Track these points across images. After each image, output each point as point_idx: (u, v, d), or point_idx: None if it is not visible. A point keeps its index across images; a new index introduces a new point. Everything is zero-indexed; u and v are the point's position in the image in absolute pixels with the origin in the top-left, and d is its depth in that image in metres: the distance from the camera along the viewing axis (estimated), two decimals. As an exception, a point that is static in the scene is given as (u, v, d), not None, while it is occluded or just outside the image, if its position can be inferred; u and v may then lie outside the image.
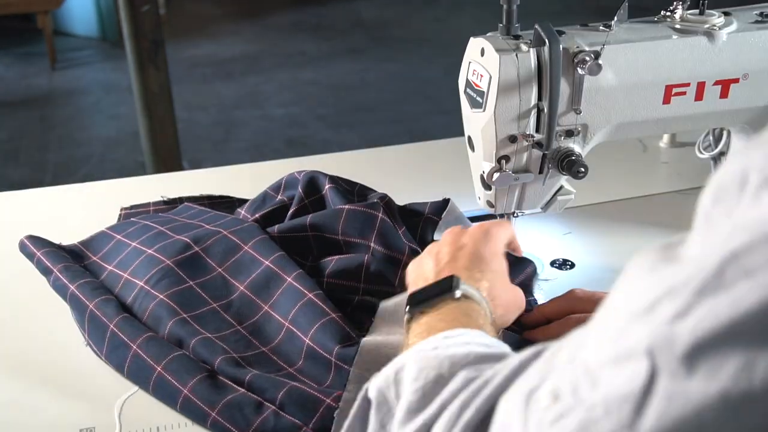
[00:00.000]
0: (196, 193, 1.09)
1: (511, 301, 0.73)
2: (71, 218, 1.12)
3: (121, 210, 1.07)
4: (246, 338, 0.80)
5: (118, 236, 0.93)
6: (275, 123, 3.87)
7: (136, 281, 0.85)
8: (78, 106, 4.17)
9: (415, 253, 0.85)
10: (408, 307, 0.65)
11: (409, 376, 0.50)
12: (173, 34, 5.14)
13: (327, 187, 0.96)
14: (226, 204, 1.07)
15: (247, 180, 1.23)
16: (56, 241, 0.95)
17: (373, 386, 0.52)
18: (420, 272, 0.73)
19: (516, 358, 0.46)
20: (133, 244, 0.90)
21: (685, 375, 0.32)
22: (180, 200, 1.07)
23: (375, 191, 0.98)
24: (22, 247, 0.94)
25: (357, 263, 0.86)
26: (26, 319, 0.90)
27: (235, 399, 0.71)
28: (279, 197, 0.99)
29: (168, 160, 2.95)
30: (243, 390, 0.72)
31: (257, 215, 0.97)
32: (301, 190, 0.96)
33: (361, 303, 0.84)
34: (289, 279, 0.83)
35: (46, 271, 0.90)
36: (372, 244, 0.88)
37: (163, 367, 0.75)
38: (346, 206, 0.91)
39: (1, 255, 1.02)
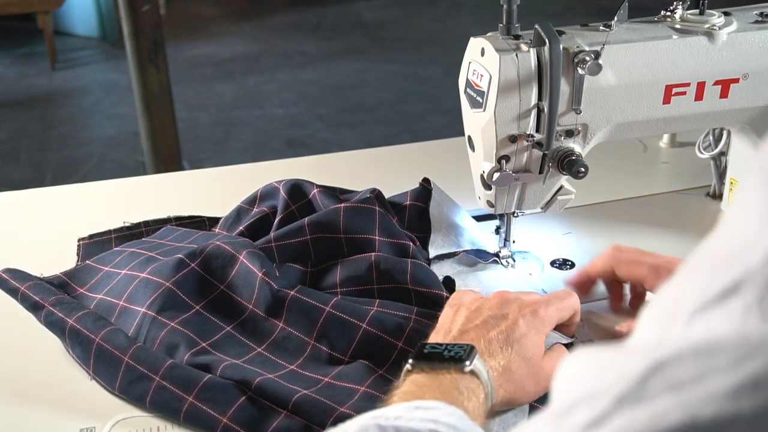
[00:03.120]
0: (194, 193, 1.08)
1: (525, 390, 0.67)
2: (71, 218, 1.12)
3: (79, 240, 1.00)
4: (270, 359, 0.77)
5: (106, 267, 0.88)
6: (275, 123, 3.87)
7: (137, 308, 0.80)
8: (78, 106, 4.18)
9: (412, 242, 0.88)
10: (413, 358, 0.62)
11: None
12: (173, 34, 5.15)
13: (315, 191, 0.94)
14: (196, 224, 1.02)
15: (247, 180, 1.23)
16: (51, 246, 0.95)
17: None
18: (446, 320, 0.71)
19: None
20: (123, 272, 0.85)
21: None
22: (145, 224, 1.02)
23: (357, 192, 0.96)
24: (1, 283, 0.84)
25: (366, 266, 0.84)
26: (27, 318, 0.89)
27: (281, 425, 0.68)
28: (256, 209, 0.96)
29: (168, 160, 2.95)
30: (285, 412, 0.70)
31: (241, 228, 0.93)
32: (286, 197, 0.94)
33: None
34: (292, 293, 0.80)
35: (35, 307, 0.82)
36: (377, 238, 0.87)
37: (195, 397, 0.70)
38: (342, 204, 0.89)
39: (1, 255, 1.02)
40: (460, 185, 1.01)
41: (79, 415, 0.73)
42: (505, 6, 0.81)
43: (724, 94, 0.88)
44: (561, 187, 0.89)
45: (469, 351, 0.62)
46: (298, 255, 0.87)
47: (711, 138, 1.07)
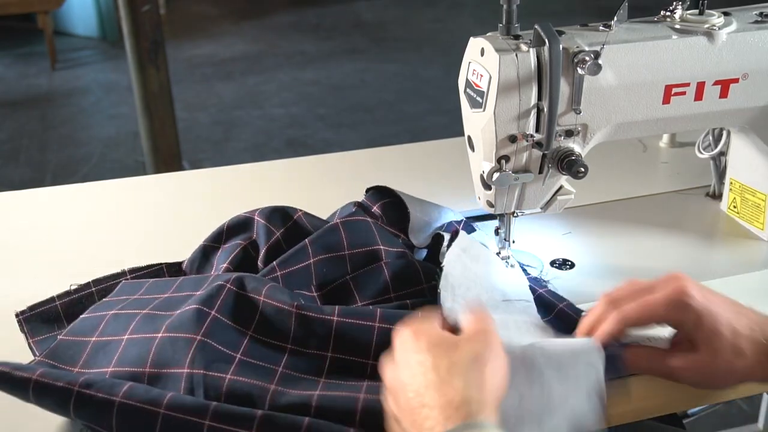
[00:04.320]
0: (194, 193, 1.07)
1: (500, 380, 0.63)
2: (71, 218, 1.12)
3: (18, 315, 0.85)
4: (342, 384, 0.73)
5: (92, 338, 0.78)
6: (275, 123, 3.87)
7: (177, 370, 0.71)
8: (78, 106, 4.17)
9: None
10: None
11: None
12: (173, 34, 5.15)
13: (299, 214, 0.92)
14: (154, 273, 0.92)
15: (247, 180, 1.23)
16: (47, 246, 0.94)
17: None
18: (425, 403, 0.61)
19: None
20: (125, 336, 0.76)
21: None
22: (95, 282, 0.89)
23: (337, 210, 0.95)
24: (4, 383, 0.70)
25: (380, 278, 0.84)
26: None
27: None
28: (226, 245, 0.92)
29: (168, 160, 2.95)
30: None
31: (225, 265, 0.88)
32: (266, 224, 0.90)
33: None
34: (330, 317, 0.76)
35: (60, 396, 0.68)
36: (382, 247, 0.87)
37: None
38: (336, 221, 0.89)
39: (0, 255, 1.02)
40: (460, 185, 1.02)
41: (79, 415, 0.73)
42: (505, 6, 0.81)
43: (723, 94, 0.88)
44: (561, 187, 0.89)
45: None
46: (303, 281, 0.85)
47: (711, 138, 1.07)
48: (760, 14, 0.90)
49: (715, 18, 0.87)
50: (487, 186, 0.86)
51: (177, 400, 0.67)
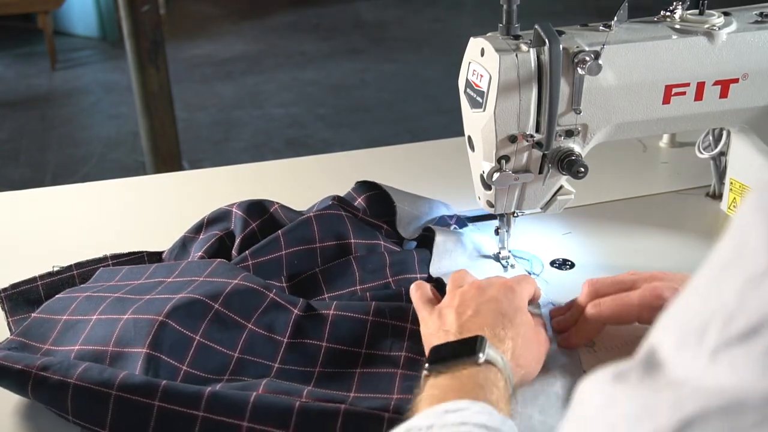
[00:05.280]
0: (194, 193, 1.08)
1: (534, 358, 0.71)
2: (71, 218, 1.12)
3: (0, 292, 0.88)
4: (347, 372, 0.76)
5: (63, 317, 0.80)
6: (275, 123, 3.87)
7: (137, 350, 0.72)
8: (78, 106, 4.18)
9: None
10: (428, 363, 0.63)
11: None
12: (173, 34, 5.15)
13: (275, 206, 0.94)
14: (135, 260, 0.94)
15: (248, 180, 1.23)
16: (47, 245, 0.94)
17: None
18: (440, 323, 0.71)
19: None
20: (94, 317, 0.78)
21: None
22: (77, 265, 0.92)
23: (315, 204, 0.96)
24: None
25: (349, 269, 0.86)
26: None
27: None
28: (204, 235, 0.94)
29: (168, 160, 2.95)
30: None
31: (199, 254, 0.89)
32: (244, 215, 0.93)
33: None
34: (331, 311, 0.80)
35: (19, 379, 0.70)
36: (353, 241, 0.89)
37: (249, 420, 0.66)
38: (311, 214, 0.90)
39: (1, 255, 1.02)
40: (460, 185, 1.01)
41: (79, 415, 0.73)
42: (505, 6, 0.81)
43: (723, 94, 0.88)
44: (561, 187, 0.89)
45: (480, 342, 0.63)
46: (274, 271, 0.87)
47: (711, 138, 1.07)
48: (760, 14, 0.90)
49: (715, 18, 0.87)
50: (487, 186, 0.86)
51: (128, 380, 0.68)
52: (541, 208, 0.91)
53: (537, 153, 0.84)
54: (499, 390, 0.61)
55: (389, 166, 1.25)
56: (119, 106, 4.07)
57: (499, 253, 0.93)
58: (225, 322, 0.77)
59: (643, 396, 0.32)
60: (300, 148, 3.57)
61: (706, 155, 1.08)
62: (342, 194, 0.97)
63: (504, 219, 0.91)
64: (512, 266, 0.92)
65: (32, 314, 0.82)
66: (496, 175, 0.83)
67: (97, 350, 0.74)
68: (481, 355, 0.62)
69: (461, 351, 0.63)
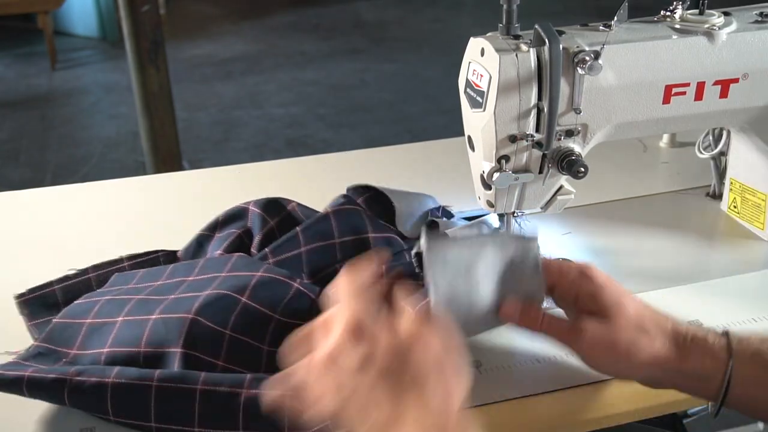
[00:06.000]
0: (194, 193, 1.07)
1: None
2: (71, 218, 1.12)
3: (18, 298, 0.88)
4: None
5: (87, 320, 0.80)
6: (275, 123, 3.87)
7: (172, 350, 0.74)
8: (78, 106, 4.17)
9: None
10: None
11: None
12: (173, 34, 5.15)
13: (293, 204, 0.94)
14: (151, 261, 0.94)
15: (247, 180, 1.23)
16: (49, 249, 0.94)
17: None
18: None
19: None
20: (119, 318, 0.78)
21: None
22: (93, 267, 0.92)
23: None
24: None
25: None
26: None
27: None
28: (220, 234, 0.94)
29: (168, 160, 2.95)
30: None
31: (219, 252, 0.90)
32: (262, 213, 0.93)
33: None
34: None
35: (53, 387, 0.70)
36: (371, 235, 0.88)
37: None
38: (328, 210, 0.90)
39: (1, 255, 1.02)
40: (460, 185, 1.01)
41: (80, 414, 0.73)
42: (505, 6, 0.81)
43: (723, 94, 0.88)
44: (561, 187, 0.89)
45: None
46: (294, 269, 0.87)
47: (711, 138, 1.07)
48: (760, 14, 0.90)
49: (715, 18, 0.87)
50: (487, 186, 0.86)
51: (166, 372, 0.70)
52: (541, 208, 0.91)
53: (537, 153, 0.84)
54: None
55: (389, 166, 1.25)
56: (119, 106, 4.07)
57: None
58: (253, 314, 0.78)
59: None
60: (300, 148, 3.57)
61: (706, 155, 1.08)
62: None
63: (504, 219, 0.91)
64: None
65: (53, 319, 0.82)
66: (496, 175, 0.83)
67: (128, 351, 0.75)
68: None
69: None
